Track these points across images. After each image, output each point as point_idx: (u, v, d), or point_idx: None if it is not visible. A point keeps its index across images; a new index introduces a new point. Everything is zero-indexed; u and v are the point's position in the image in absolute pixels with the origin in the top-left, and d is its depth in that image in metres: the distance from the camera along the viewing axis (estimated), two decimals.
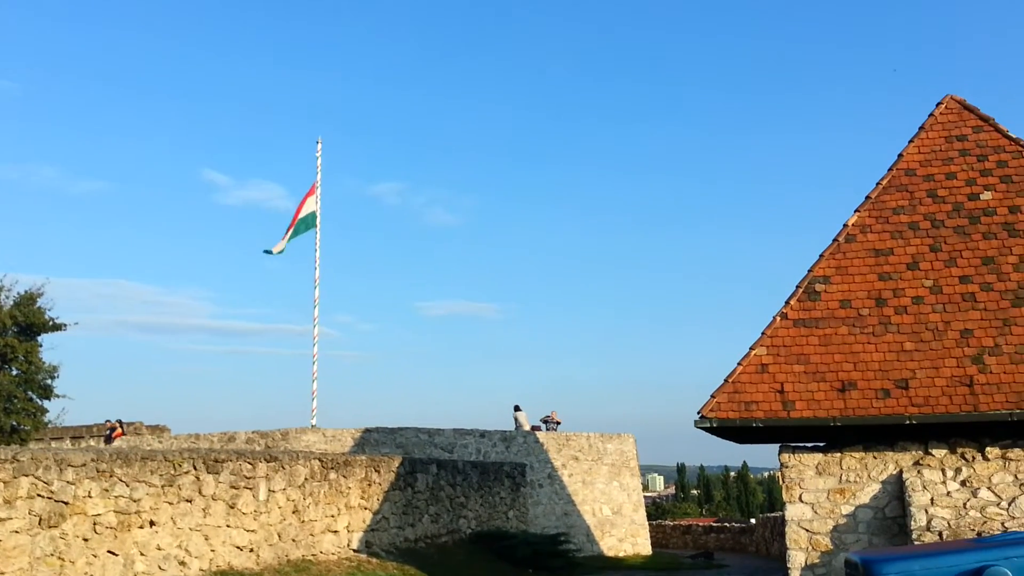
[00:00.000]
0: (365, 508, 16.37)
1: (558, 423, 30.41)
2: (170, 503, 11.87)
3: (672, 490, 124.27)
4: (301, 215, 27.87)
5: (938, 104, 14.95)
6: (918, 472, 12.18)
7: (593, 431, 29.06)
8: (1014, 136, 14.13)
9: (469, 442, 26.08)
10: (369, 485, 16.56)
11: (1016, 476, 11.93)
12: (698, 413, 12.86)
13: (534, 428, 29.38)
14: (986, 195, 13.64)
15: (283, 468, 14.14)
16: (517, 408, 29.80)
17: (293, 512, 14.26)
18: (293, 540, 14.15)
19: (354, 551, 15.75)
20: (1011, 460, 12.04)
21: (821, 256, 13.86)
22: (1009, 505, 11.76)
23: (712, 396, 12.91)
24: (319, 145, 28.58)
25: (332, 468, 15.56)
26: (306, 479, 14.69)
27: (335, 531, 15.41)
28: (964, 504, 11.76)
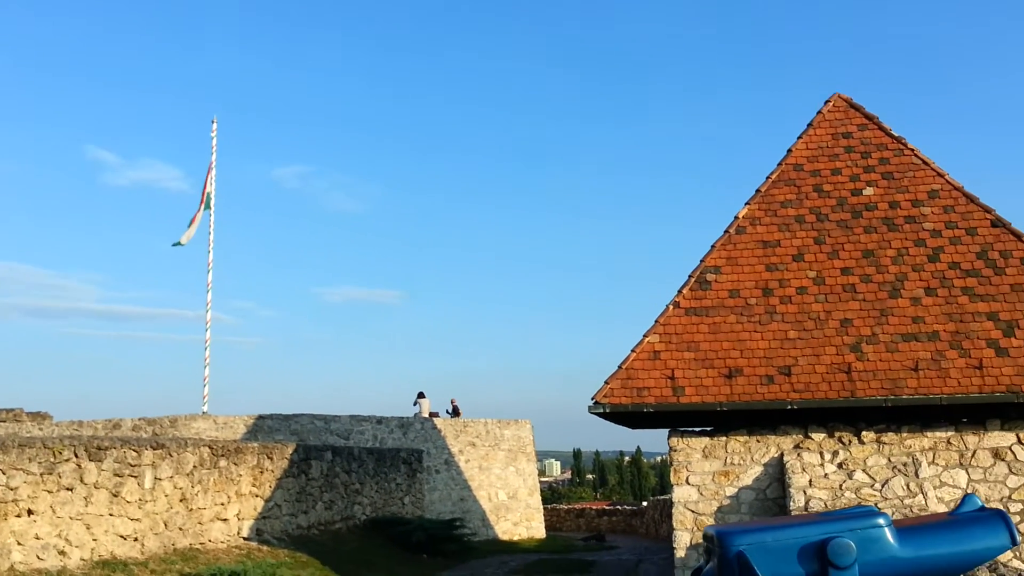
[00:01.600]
0: (257, 496, 16.04)
1: (459, 412, 30.48)
2: (49, 491, 11.40)
3: (568, 475, 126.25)
4: (203, 200, 27.02)
5: (826, 102, 15.54)
6: (798, 455, 12.70)
7: (491, 417, 29.22)
8: (896, 135, 14.81)
9: (366, 428, 25.85)
10: (261, 472, 16.23)
11: (889, 459, 12.57)
12: (592, 399, 13.07)
13: (432, 415, 29.35)
14: (868, 191, 14.27)
15: (170, 455, 13.71)
16: (421, 395, 29.72)
17: (181, 500, 13.85)
18: (180, 529, 13.76)
19: (244, 539, 15.42)
20: (885, 444, 12.67)
21: (713, 247, 14.25)
22: (882, 487, 12.38)
23: (606, 382, 13.14)
24: (214, 125, 27.73)
25: (222, 455, 15.18)
26: (195, 467, 14.28)
27: (225, 519, 15.05)
28: (840, 486, 12.32)
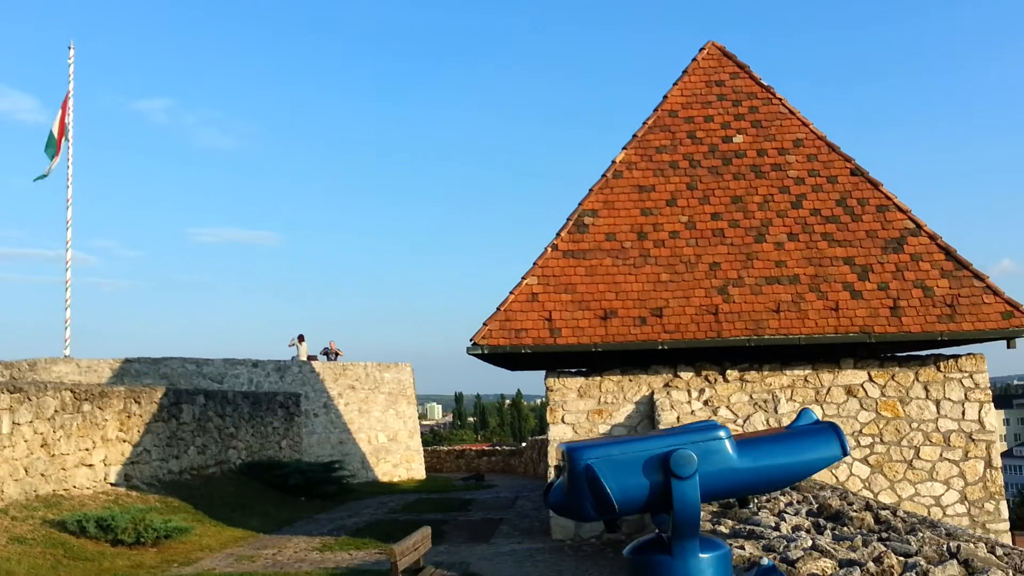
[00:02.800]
0: (124, 441, 15.49)
1: (338, 354, 30.12)
2: None
3: (450, 418, 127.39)
4: (62, 132, 25.29)
5: (701, 49, 15.84)
6: (667, 393, 13.19)
7: (372, 361, 29.04)
8: (766, 84, 15.27)
9: (241, 372, 25.25)
10: (128, 417, 15.66)
11: (751, 396, 13.21)
12: (471, 340, 13.15)
13: (311, 358, 28.93)
14: (738, 138, 14.71)
15: (29, 400, 13.04)
16: (300, 338, 29.17)
17: (42, 446, 13.24)
18: (43, 475, 13.17)
19: (112, 485, 14.92)
20: (748, 382, 13.30)
21: (591, 191, 14.43)
22: (744, 422, 13.02)
23: (484, 324, 13.23)
24: (71, 51, 25.94)
25: (86, 400, 14.55)
26: (56, 411, 13.65)
27: (90, 465, 14.50)
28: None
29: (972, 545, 5.84)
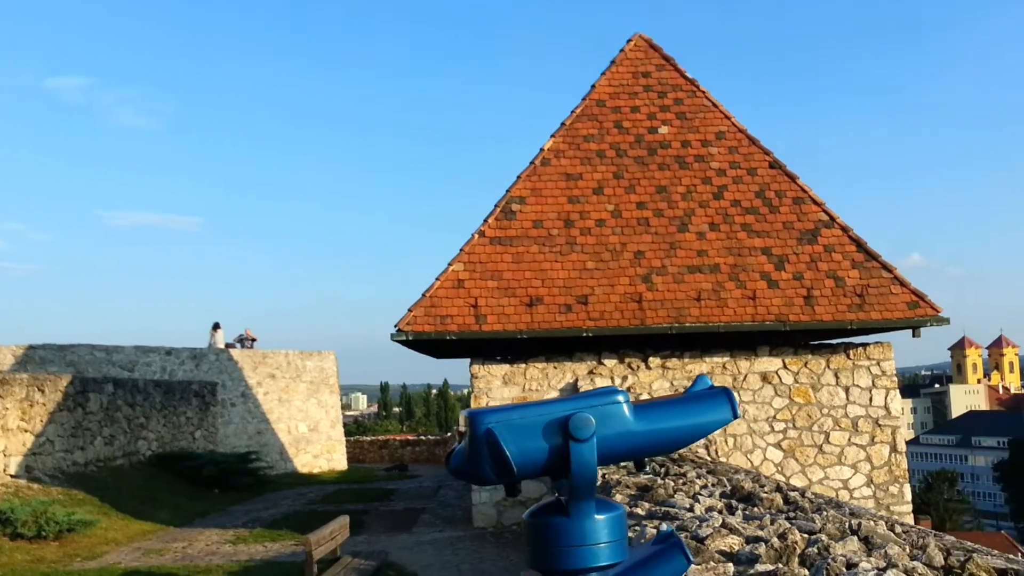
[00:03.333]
0: (26, 431, 14.91)
1: (254, 340, 29.53)
2: None
3: (375, 408, 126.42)
4: None
5: (628, 41, 15.98)
6: (591, 380, 13.30)
7: (295, 349, 28.57)
8: (690, 76, 15.49)
9: (153, 360, 24.56)
10: (31, 406, 15.07)
11: (672, 383, 13.42)
12: (395, 327, 13.04)
13: (228, 346, 28.31)
14: (664, 129, 14.90)
15: None
16: (216, 326, 28.49)
17: None
18: None
19: (12, 477, 14.34)
20: (669, 368, 13.50)
21: (519, 178, 14.44)
22: None
23: (409, 310, 13.13)
24: None
25: None
26: None
27: None
28: None
29: (873, 523, 6.04)
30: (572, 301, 13.15)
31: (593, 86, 15.39)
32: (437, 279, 13.38)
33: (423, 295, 13.23)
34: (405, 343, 13.24)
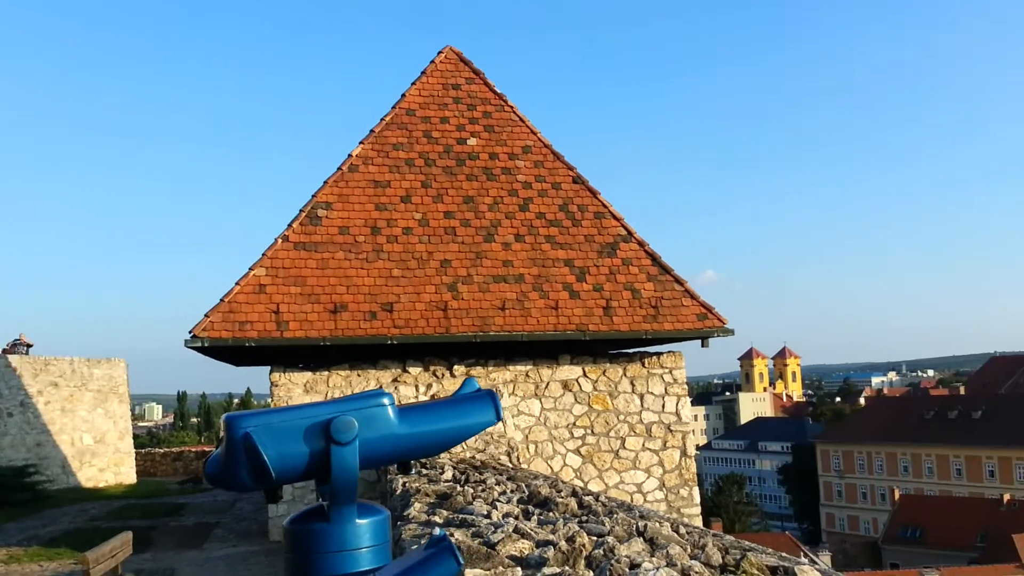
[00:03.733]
0: None
1: (29, 346, 27.25)
2: None
3: (171, 419, 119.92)
4: None
5: (439, 53, 16.08)
6: (395, 388, 13.22)
7: (82, 356, 26.60)
8: (499, 91, 15.78)
9: None
10: None
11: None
12: (190, 333, 12.42)
13: (4, 351, 25.97)
14: (472, 141, 15.08)
15: None
16: None
17: None
18: None
19: None
20: (474, 377, 13.63)
21: (325, 183, 14.16)
22: None
23: (206, 316, 12.55)
24: None
25: None
26: None
27: None
28: None
29: (658, 524, 6.33)
30: (377, 308, 13.03)
31: (403, 95, 15.37)
32: (237, 284, 12.88)
33: (221, 300, 12.68)
34: (201, 350, 12.63)
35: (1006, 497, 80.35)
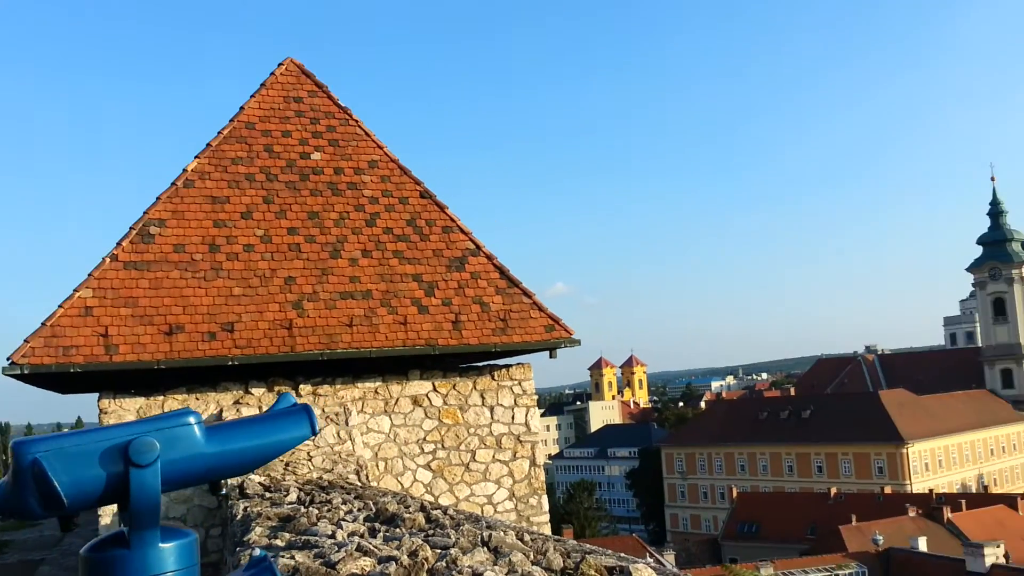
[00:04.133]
0: None
1: None
2: None
3: None
4: None
5: (280, 64, 15.74)
6: (237, 410, 12.78)
7: None
8: (343, 105, 15.61)
9: None
10: None
11: (324, 410, 13.29)
12: (8, 359, 11.58)
13: None
14: (316, 155, 14.83)
15: None
16: None
17: None
18: None
19: None
20: (321, 396, 13.38)
21: (158, 199, 13.57)
22: (315, 436, 13.06)
23: (26, 341, 11.74)
24: None
25: None
26: None
27: None
28: None
29: (503, 533, 6.42)
30: (217, 329, 12.57)
31: (242, 108, 14.94)
32: (60, 307, 12.12)
33: (43, 324, 11.90)
34: (20, 377, 11.80)
35: (832, 491, 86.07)
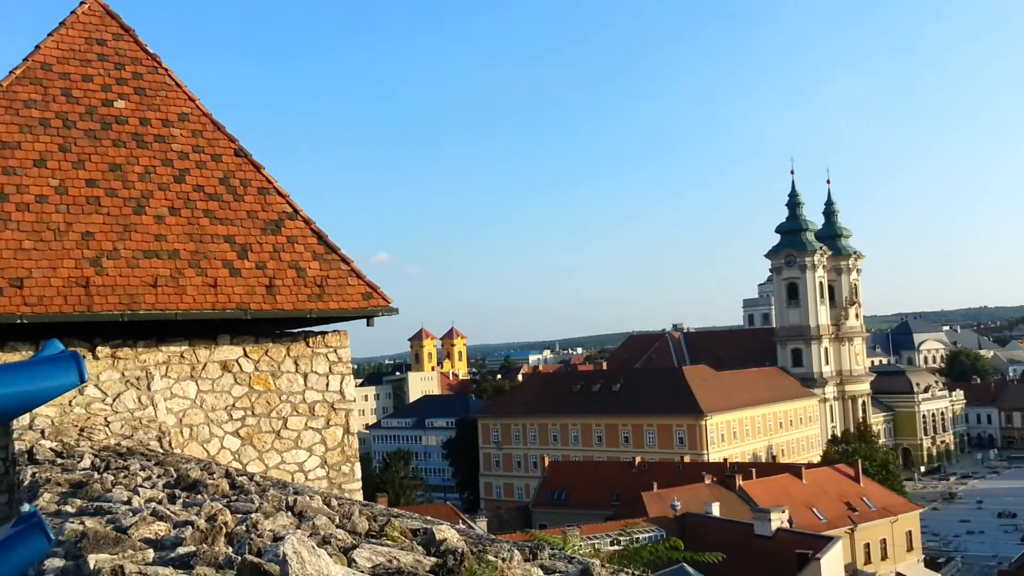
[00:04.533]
0: None
1: None
2: None
3: None
4: None
5: (82, 3, 14.57)
6: None
7: None
8: (152, 52, 14.67)
9: None
10: None
11: (123, 373, 12.59)
12: None
13: None
14: (120, 103, 13.88)
15: None
16: None
17: None
18: None
19: None
20: (121, 359, 12.64)
21: None
22: (114, 400, 12.34)
23: None
24: None
25: None
26: None
27: None
28: (70, 401, 11.89)
29: (309, 499, 6.36)
30: (4, 284, 11.59)
31: (38, 47, 13.74)
32: None
33: None
34: None
35: (637, 460, 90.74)
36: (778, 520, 54.39)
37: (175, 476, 8.07)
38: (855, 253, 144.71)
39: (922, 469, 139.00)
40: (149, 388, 12.67)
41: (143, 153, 13.58)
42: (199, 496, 6.95)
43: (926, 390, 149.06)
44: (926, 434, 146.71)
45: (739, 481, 71.94)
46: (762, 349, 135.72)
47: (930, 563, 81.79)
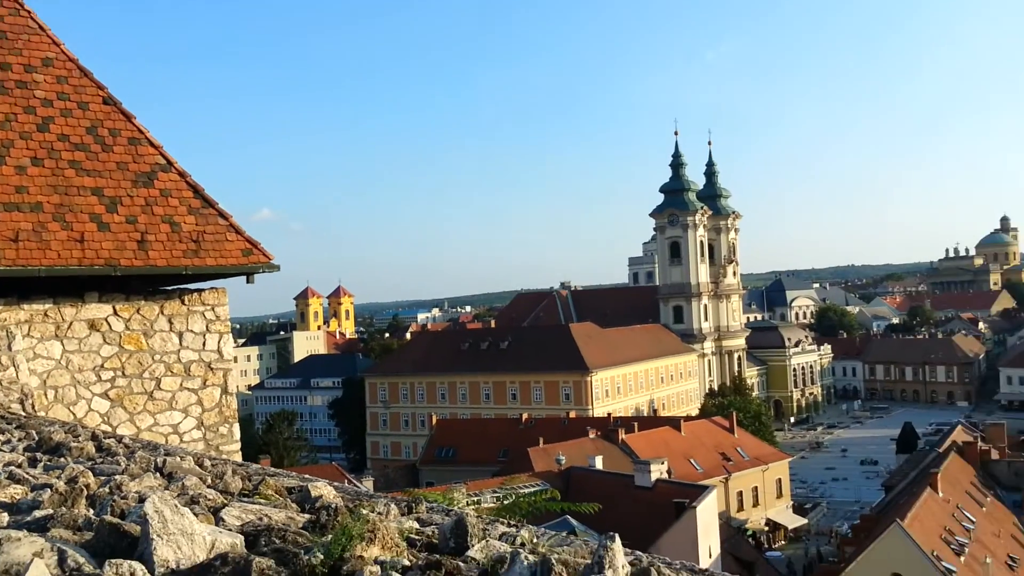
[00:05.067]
0: None
1: None
2: None
3: None
4: None
5: None
6: None
7: None
8: None
9: None
10: None
11: None
12: None
13: None
14: None
15: None
16: None
17: None
18: None
19: None
20: None
21: None
22: None
23: None
24: None
25: None
26: None
27: None
28: None
29: (179, 459, 6.22)
30: None
31: None
32: None
33: None
34: None
35: (524, 416, 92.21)
36: (657, 471, 56.40)
37: (37, 439, 7.74)
38: (733, 213, 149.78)
39: (792, 420, 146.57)
40: (10, 348, 12.03)
41: (3, 100, 12.73)
42: (62, 459, 6.69)
43: (797, 344, 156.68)
44: (796, 386, 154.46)
45: (622, 435, 74.17)
46: (646, 306, 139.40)
47: (798, 509, 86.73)
